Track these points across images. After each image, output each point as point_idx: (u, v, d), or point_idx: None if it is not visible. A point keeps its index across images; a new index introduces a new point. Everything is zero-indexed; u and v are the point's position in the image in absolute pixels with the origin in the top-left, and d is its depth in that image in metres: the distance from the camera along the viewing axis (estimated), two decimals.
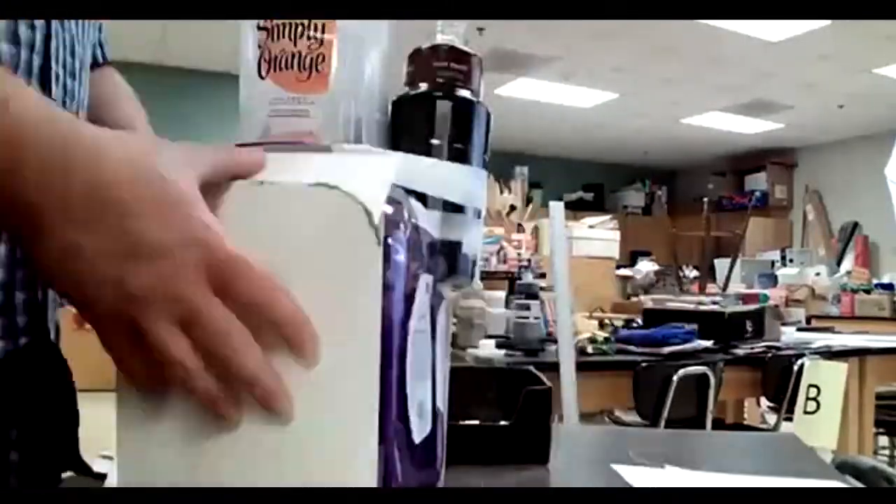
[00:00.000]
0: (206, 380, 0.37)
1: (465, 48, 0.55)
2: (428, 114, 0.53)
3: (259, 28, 0.51)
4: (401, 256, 0.43)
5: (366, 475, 0.41)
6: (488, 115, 0.55)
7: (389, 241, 0.42)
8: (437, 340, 0.53)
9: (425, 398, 0.50)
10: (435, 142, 0.52)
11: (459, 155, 0.53)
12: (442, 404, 0.56)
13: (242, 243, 0.41)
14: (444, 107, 0.53)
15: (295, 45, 0.50)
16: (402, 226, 0.44)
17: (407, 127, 0.53)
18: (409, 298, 0.45)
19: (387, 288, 0.42)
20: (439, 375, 0.54)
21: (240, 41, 0.53)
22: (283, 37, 0.50)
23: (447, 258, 0.53)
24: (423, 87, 0.54)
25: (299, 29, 0.50)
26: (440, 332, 0.54)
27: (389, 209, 0.42)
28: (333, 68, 0.50)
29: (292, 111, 0.50)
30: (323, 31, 0.50)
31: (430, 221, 0.50)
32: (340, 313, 0.40)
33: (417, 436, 0.48)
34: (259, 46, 0.51)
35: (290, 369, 0.40)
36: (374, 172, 0.43)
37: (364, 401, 0.41)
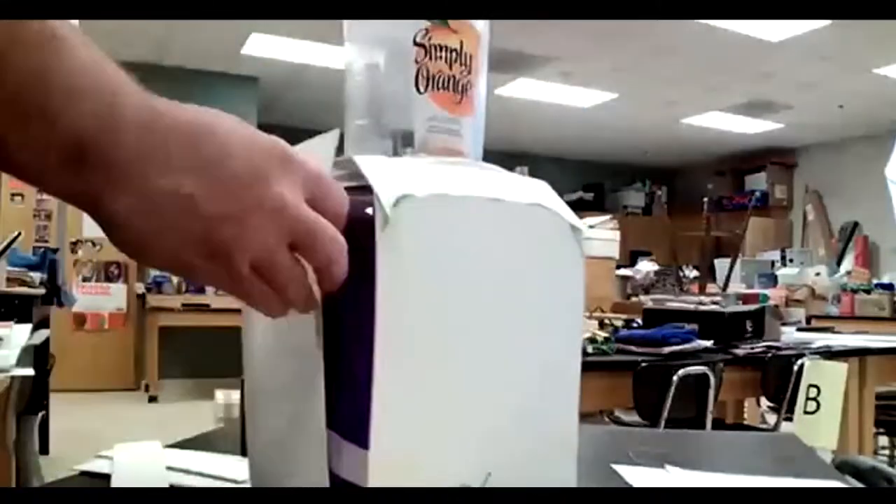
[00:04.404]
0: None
1: None
2: None
3: (416, 43, 0.54)
4: None
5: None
6: None
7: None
8: None
9: None
10: None
11: None
12: None
13: (471, 252, 0.47)
14: None
15: (450, 68, 0.55)
16: None
17: None
18: None
19: None
20: None
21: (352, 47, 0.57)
22: (440, 59, 0.55)
23: None
24: None
25: (453, 55, 0.55)
26: None
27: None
28: (478, 94, 0.56)
29: (448, 129, 0.56)
30: (470, 61, 0.56)
31: None
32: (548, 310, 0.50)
33: None
34: (416, 61, 0.54)
35: None
36: (545, 193, 0.51)
37: None
